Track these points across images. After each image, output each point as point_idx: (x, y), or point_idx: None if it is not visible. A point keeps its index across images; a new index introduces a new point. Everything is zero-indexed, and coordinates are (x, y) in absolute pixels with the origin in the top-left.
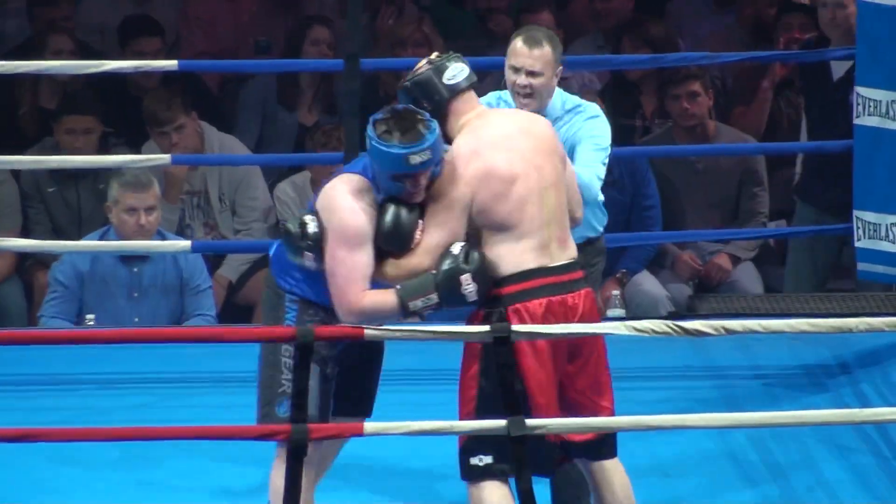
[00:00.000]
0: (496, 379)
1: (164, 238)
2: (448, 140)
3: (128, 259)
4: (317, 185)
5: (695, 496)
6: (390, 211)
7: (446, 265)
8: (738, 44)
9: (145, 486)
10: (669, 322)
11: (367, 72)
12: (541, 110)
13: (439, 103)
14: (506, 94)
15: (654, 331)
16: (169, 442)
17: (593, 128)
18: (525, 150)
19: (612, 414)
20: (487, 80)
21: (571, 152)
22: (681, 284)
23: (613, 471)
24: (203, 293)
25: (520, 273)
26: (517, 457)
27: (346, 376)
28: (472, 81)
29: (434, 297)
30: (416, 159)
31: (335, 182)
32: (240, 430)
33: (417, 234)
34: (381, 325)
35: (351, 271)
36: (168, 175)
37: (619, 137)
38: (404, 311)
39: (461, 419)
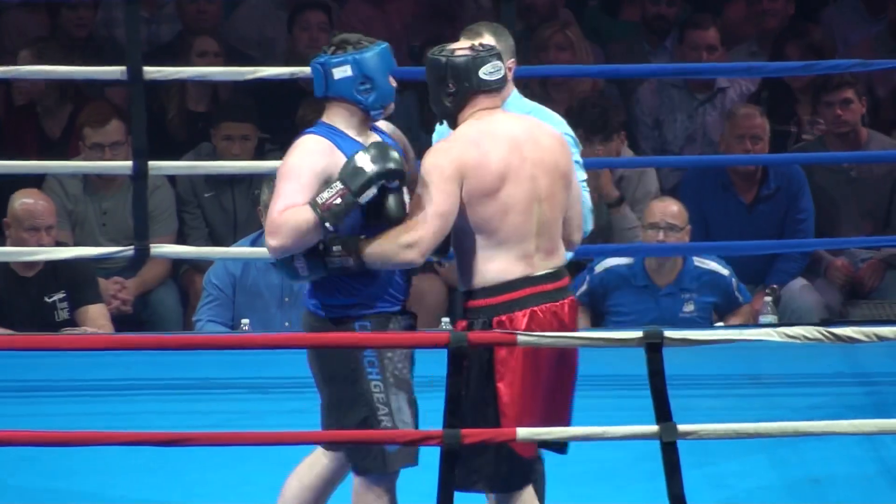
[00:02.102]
0: (475, 386)
1: None
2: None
3: None
4: None
5: (845, 502)
6: (393, 196)
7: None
8: (889, 51)
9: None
10: (821, 328)
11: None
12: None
13: (466, 91)
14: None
15: (805, 337)
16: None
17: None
18: (525, 157)
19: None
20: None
21: None
22: (833, 291)
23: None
24: None
25: (504, 284)
26: (669, 461)
27: None
28: (502, 86)
29: (339, 186)
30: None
31: (299, 139)
32: (393, 434)
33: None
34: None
35: (288, 201)
36: None
37: (773, 145)
38: (321, 219)
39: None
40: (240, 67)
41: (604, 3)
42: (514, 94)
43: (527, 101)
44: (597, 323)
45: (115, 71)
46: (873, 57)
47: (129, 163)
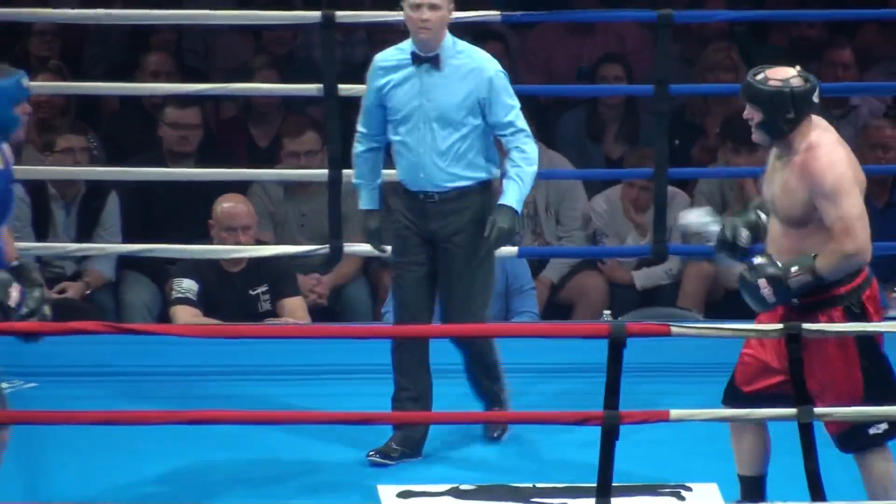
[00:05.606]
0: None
1: None
2: (787, 144)
3: None
4: (628, 199)
5: None
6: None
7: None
8: None
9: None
10: None
11: (674, 97)
12: (436, 45)
13: (801, 115)
14: (405, 45)
15: None
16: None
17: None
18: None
19: None
20: None
21: (480, 103)
22: None
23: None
24: (527, 293)
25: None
26: None
27: None
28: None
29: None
30: (25, 82)
31: None
32: (555, 415)
33: None
34: None
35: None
36: None
37: None
38: None
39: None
40: None
41: (754, 28)
42: (448, 38)
43: (461, 42)
44: None
45: (311, 88)
46: None
47: (326, 170)
